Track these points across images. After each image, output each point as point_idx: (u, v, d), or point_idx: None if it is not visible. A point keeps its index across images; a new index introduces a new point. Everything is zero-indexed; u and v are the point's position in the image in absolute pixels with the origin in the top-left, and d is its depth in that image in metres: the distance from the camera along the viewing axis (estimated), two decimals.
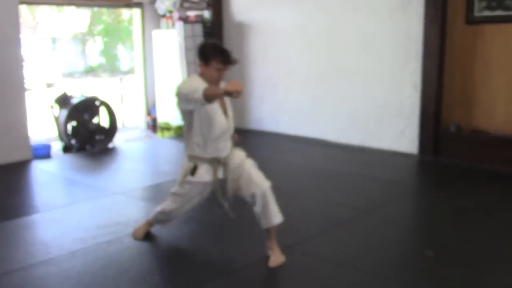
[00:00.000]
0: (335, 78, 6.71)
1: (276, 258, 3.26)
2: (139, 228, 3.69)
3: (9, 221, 4.12)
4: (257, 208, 3.18)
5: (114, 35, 20.72)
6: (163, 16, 8.00)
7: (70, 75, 19.44)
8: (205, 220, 4.07)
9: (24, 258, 3.42)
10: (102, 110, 6.97)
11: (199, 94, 2.88)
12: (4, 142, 5.90)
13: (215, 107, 3.14)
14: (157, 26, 8.15)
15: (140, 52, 8.34)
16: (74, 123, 6.71)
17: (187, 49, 7.55)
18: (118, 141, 7.25)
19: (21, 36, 6.04)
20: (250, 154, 3.41)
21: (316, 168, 5.69)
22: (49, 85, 16.81)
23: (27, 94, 6.24)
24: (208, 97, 2.88)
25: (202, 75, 3.16)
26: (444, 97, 5.85)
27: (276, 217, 3.22)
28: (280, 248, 3.32)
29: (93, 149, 6.76)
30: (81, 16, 19.80)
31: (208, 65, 3.12)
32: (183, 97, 3.02)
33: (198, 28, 7.66)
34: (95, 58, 21.52)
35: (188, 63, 7.51)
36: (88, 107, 6.84)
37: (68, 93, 6.84)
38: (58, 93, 6.85)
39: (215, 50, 3.12)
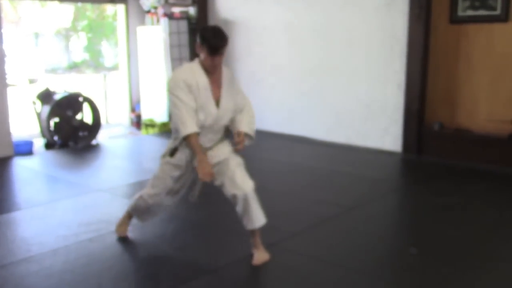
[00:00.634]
0: (321, 76, 6.72)
1: (260, 255, 3.25)
2: (121, 224, 3.64)
3: None
4: (239, 209, 3.16)
5: (98, 31, 20.51)
6: (148, 12, 7.94)
7: (53, 71, 19.21)
8: (189, 218, 4.05)
9: (5, 255, 3.37)
10: (86, 107, 6.90)
11: (182, 133, 3.00)
12: None
13: (207, 98, 3.06)
14: (142, 22, 8.08)
15: (124, 48, 8.26)
16: (56, 119, 6.63)
17: (171, 46, 7.50)
18: (101, 138, 7.18)
19: (2, 31, 5.94)
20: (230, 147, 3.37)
21: (301, 166, 5.70)
22: (31, 81, 16.59)
23: (8, 90, 6.15)
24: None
25: (201, 60, 3.08)
26: (427, 95, 5.89)
27: (258, 220, 3.18)
28: (264, 246, 3.31)
29: (76, 146, 6.69)
30: (65, 11, 19.57)
31: (202, 49, 3.02)
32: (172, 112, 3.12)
33: (183, 25, 7.62)
34: (79, 54, 21.29)
35: (173, 59, 7.47)
36: (71, 103, 6.76)
37: (51, 89, 6.76)
38: (41, 89, 6.76)
39: (209, 32, 2.99)
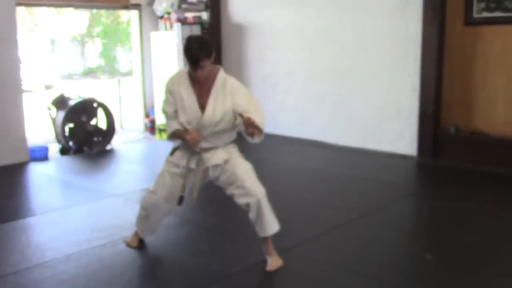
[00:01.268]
0: (334, 79, 6.68)
1: (274, 262, 3.22)
2: (131, 238, 3.61)
3: (5, 224, 4.08)
4: (252, 216, 3.14)
5: (113, 36, 20.68)
6: (161, 17, 7.97)
7: (69, 76, 19.40)
8: (202, 224, 4.04)
9: (19, 261, 3.38)
10: (100, 112, 6.94)
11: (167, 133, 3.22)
12: (1, 144, 5.86)
13: (191, 104, 3.08)
14: (155, 27, 8.12)
15: (138, 54, 8.31)
16: (71, 125, 6.68)
17: None
18: (116, 143, 7.22)
19: (18, 37, 6.01)
20: (249, 156, 3.36)
21: (315, 170, 5.66)
22: (47, 87, 16.76)
23: (24, 96, 6.21)
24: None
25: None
26: (443, 98, 5.82)
27: (272, 227, 3.16)
28: (277, 252, 3.28)
29: (90, 151, 6.72)
30: (80, 17, 19.77)
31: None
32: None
33: (196, 30, 7.63)
34: (94, 59, 21.48)
35: (186, 64, 7.46)
36: (86, 108, 6.80)
37: (66, 95, 6.81)
38: (56, 95, 6.82)
39: (185, 50, 2.99)
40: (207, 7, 7.81)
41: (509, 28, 5.32)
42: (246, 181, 3.09)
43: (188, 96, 3.10)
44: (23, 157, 6.08)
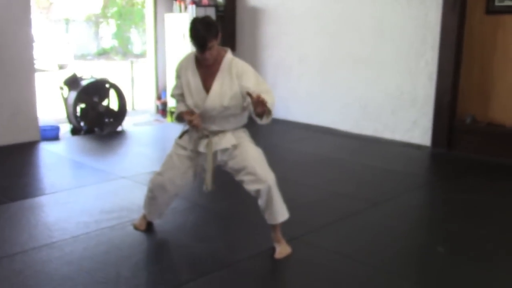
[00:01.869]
0: (349, 66, 6.57)
1: (282, 249, 3.17)
2: (139, 220, 3.56)
3: (14, 202, 4.07)
4: (262, 203, 3.08)
5: (127, 18, 20.61)
6: None
7: (83, 57, 19.41)
8: (210, 208, 3.99)
9: (27, 241, 3.37)
10: (112, 93, 6.90)
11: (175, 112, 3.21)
12: (12, 123, 5.85)
13: (196, 87, 3.04)
14: (170, 9, 8.03)
15: (152, 36, 8.24)
16: (83, 105, 6.66)
17: None
18: (127, 124, 7.18)
19: (31, 16, 5.96)
20: (260, 141, 3.30)
21: (327, 158, 5.59)
22: (61, 67, 16.79)
23: (36, 75, 6.18)
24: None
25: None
26: (460, 88, 5.70)
27: (281, 214, 3.11)
28: (286, 240, 3.23)
29: (101, 132, 6.70)
30: None
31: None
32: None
33: (211, 12, 7.53)
34: (108, 40, 21.45)
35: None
36: (98, 89, 6.77)
37: (78, 75, 6.78)
38: (68, 75, 6.79)
39: (190, 33, 2.90)
40: None
41: None
42: (256, 167, 3.03)
43: (194, 79, 3.06)
44: (34, 136, 6.07)
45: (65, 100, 6.72)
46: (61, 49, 17.21)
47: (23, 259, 3.12)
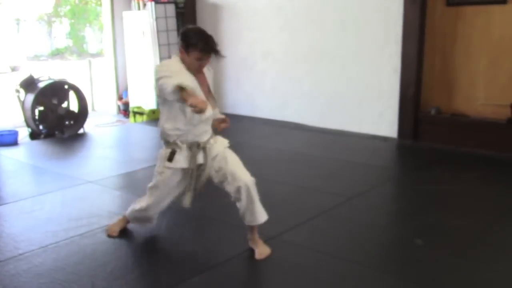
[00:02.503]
0: (313, 61, 6.56)
1: (262, 250, 3.10)
2: (114, 225, 3.45)
3: None
4: (242, 204, 3.01)
5: (81, 16, 20.08)
6: None
7: (36, 57, 18.80)
8: (183, 211, 3.86)
9: None
10: (71, 94, 6.67)
11: (173, 95, 2.72)
12: None
13: (198, 92, 2.90)
14: (127, 7, 7.83)
15: (110, 34, 8.02)
16: (41, 108, 6.41)
17: (159, 31, 7.28)
18: (88, 126, 6.97)
19: None
20: (226, 138, 3.21)
21: (295, 153, 5.56)
22: (13, 68, 16.21)
23: None
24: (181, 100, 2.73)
25: (183, 60, 2.93)
26: (424, 80, 5.77)
27: (262, 215, 3.06)
28: (263, 239, 3.17)
29: (62, 135, 6.47)
30: None
31: (188, 53, 2.87)
32: (159, 87, 2.82)
33: (171, 9, 7.40)
34: (62, 40, 20.84)
35: (160, 45, 7.25)
36: (56, 91, 6.54)
37: (35, 76, 6.52)
38: (24, 76, 6.52)
39: (197, 37, 2.86)
40: None
41: (490, 8, 5.28)
42: (237, 168, 2.99)
43: (196, 88, 2.88)
44: None
45: (22, 103, 6.45)
46: (12, 50, 16.62)
47: None
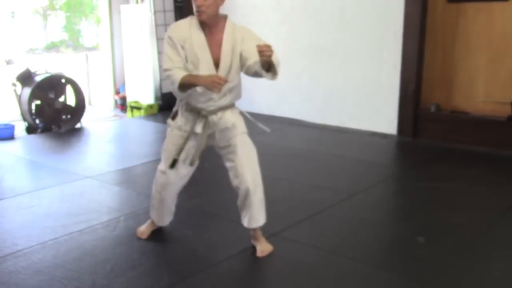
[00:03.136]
0: (312, 56, 6.52)
1: (264, 247, 3.08)
2: (144, 228, 3.32)
3: None
4: (238, 203, 3.00)
5: (77, 9, 19.93)
6: None
7: (31, 51, 18.65)
8: (184, 207, 3.84)
9: None
10: (68, 88, 6.61)
11: (174, 85, 2.73)
12: None
13: (204, 56, 2.76)
14: (125, 0, 7.76)
15: (107, 28, 7.95)
16: (38, 102, 6.35)
17: (157, 25, 7.23)
18: (85, 121, 6.91)
19: None
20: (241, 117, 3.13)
21: (294, 149, 5.53)
22: (8, 62, 16.07)
23: None
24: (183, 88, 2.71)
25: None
26: (424, 77, 5.75)
27: (256, 220, 3.01)
28: (265, 237, 3.15)
29: (59, 130, 6.42)
30: None
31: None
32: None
33: (169, 3, 7.34)
34: (57, 33, 20.68)
35: (158, 39, 7.19)
36: (53, 85, 6.47)
37: (31, 70, 6.45)
38: (20, 70, 6.45)
39: None
40: None
41: (492, 5, 5.25)
42: (244, 165, 2.91)
43: (202, 50, 2.77)
44: None
45: (19, 97, 6.39)
46: (7, 43, 16.48)
47: None
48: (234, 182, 2.95)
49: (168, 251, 3.15)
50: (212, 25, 2.80)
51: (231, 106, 2.98)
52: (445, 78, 5.64)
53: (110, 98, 8.19)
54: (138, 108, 7.37)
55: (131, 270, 2.91)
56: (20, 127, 6.39)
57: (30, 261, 3.00)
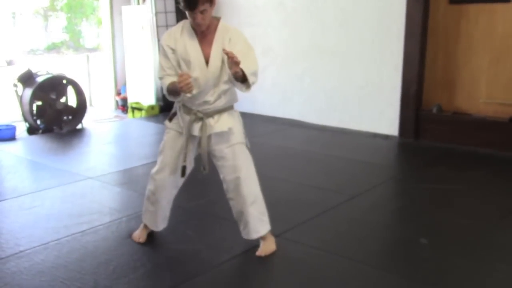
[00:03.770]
0: (314, 57, 6.52)
1: (265, 247, 3.07)
2: (139, 232, 3.30)
3: None
4: (234, 215, 3.03)
5: (78, 10, 19.95)
6: None
7: (32, 52, 18.66)
8: (186, 207, 3.85)
9: None
10: (70, 89, 6.61)
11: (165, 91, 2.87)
12: None
13: (197, 58, 2.78)
14: (127, 1, 7.77)
15: (108, 29, 7.95)
16: (39, 102, 6.35)
17: (158, 26, 7.23)
18: (86, 122, 6.91)
19: None
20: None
21: (296, 150, 5.53)
22: (9, 63, 16.07)
23: None
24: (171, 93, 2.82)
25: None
26: (425, 78, 5.74)
27: (255, 231, 3.02)
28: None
29: (60, 131, 6.42)
30: None
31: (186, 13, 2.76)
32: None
33: (171, 4, 7.34)
34: (58, 34, 20.70)
35: (159, 40, 7.18)
36: (55, 85, 6.47)
37: (33, 71, 6.46)
38: (22, 71, 6.45)
39: None
40: None
41: (493, 6, 5.25)
42: (241, 183, 2.92)
43: (194, 51, 2.79)
44: None
45: (20, 97, 6.39)
46: (8, 44, 16.49)
47: None
48: (228, 195, 2.99)
49: (170, 252, 3.14)
50: (205, 28, 2.84)
51: (228, 108, 2.97)
52: (447, 79, 5.63)
53: (111, 99, 8.19)
54: (139, 109, 7.37)
55: (133, 271, 2.90)
56: (21, 128, 6.39)
57: (33, 262, 3.00)
